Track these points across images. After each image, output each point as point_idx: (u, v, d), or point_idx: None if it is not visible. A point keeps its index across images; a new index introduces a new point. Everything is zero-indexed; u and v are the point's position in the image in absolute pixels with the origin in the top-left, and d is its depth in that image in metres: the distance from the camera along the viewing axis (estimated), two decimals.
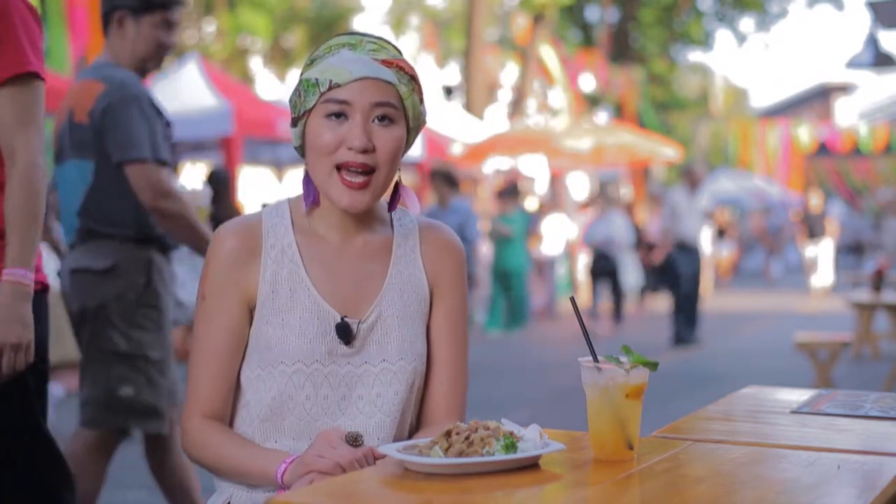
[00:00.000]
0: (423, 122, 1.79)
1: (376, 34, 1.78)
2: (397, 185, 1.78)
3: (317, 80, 1.70)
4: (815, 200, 17.99)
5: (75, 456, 3.10)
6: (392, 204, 1.81)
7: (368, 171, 1.70)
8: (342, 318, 1.73)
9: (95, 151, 3.12)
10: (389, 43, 1.76)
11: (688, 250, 10.34)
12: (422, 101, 1.77)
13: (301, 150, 1.77)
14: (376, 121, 1.70)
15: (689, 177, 10.73)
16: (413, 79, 1.74)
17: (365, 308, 1.76)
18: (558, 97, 18.22)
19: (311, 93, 1.70)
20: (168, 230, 3.17)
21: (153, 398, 3.20)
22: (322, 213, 1.78)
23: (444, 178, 9.62)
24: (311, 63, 1.73)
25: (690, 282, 10.35)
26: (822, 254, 17.74)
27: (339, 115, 1.70)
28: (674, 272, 10.39)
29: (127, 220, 3.15)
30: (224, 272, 1.74)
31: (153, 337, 3.20)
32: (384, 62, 1.71)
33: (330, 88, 1.69)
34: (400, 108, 1.72)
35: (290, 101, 1.76)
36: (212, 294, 1.74)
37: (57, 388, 7.57)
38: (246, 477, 1.71)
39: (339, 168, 1.70)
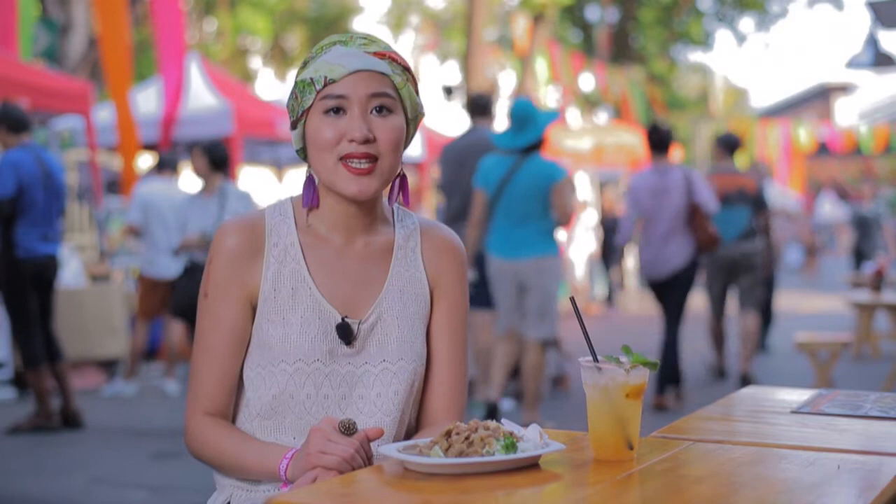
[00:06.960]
0: (422, 114, 1.80)
1: (365, 32, 1.78)
2: (399, 178, 1.78)
3: (311, 79, 1.71)
4: None
5: None
6: (392, 195, 1.80)
7: (372, 159, 1.70)
8: (343, 319, 1.73)
9: None
10: (379, 38, 1.77)
11: None
12: (417, 92, 1.77)
13: (303, 152, 1.77)
14: (374, 112, 1.71)
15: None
16: (406, 69, 1.75)
17: (365, 308, 1.76)
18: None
19: (308, 92, 1.71)
20: None
21: None
22: (325, 213, 1.78)
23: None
24: (304, 65, 1.74)
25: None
26: None
27: (337, 110, 1.70)
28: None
29: None
30: (227, 270, 1.74)
31: None
32: (376, 54, 1.72)
33: (325, 85, 1.69)
34: (396, 97, 1.73)
35: (288, 105, 1.76)
36: (214, 291, 1.74)
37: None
38: (248, 472, 1.71)
39: (342, 160, 1.70)
